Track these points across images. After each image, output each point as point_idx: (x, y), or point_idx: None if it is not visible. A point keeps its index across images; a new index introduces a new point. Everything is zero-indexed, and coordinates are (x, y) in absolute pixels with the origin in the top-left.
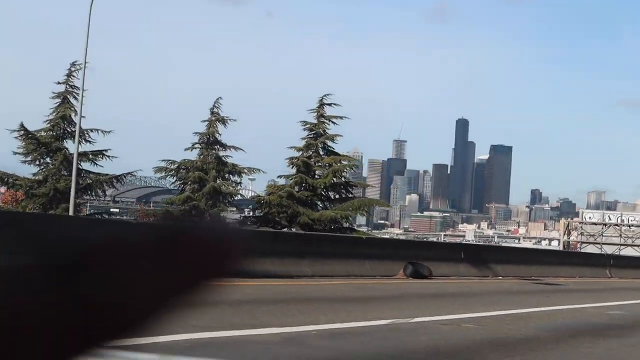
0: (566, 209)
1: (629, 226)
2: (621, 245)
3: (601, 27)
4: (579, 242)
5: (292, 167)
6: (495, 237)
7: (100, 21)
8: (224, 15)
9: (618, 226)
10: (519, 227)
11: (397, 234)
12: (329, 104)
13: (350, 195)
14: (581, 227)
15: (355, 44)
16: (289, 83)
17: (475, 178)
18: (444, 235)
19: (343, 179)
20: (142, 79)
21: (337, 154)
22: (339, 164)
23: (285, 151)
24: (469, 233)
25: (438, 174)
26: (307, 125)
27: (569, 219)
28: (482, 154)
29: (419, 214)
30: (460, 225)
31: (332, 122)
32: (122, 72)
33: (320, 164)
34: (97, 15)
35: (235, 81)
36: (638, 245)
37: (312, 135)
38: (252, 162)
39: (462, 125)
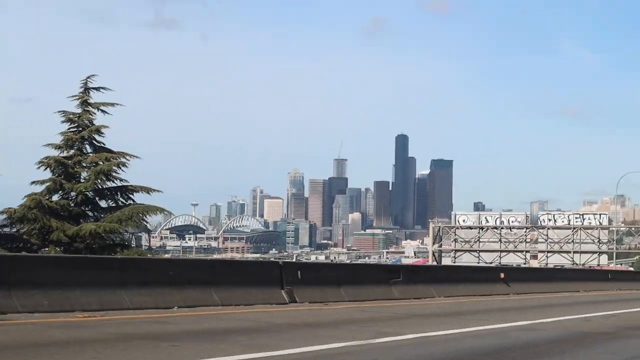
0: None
1: (510, 228)
2: (501, 251)
3: (538, 38)
4: (452, 250)
5: (45, 169)
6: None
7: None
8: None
9: (497, 229)
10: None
11: (340, 254)
12: (97, 88)
13: (130, 203)
14: (454, 232)
15: (292, 63)
16: (223, 103)
17: (417, 194)
18: (387, 252)
19: (118, 181)
20: None
21: (109, 150)
22: (105, 163)
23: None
24: (408, 249)
25: (380, 191)
26: (68, 116)
27: (440, 224)
28: (423, 169)
29: (362, 232)
30: (403, 242)
31: (102, 110)
32: None
33: (85, 164)
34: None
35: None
36: (521, 251)
37: (74, 129)
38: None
39: (401, 141)
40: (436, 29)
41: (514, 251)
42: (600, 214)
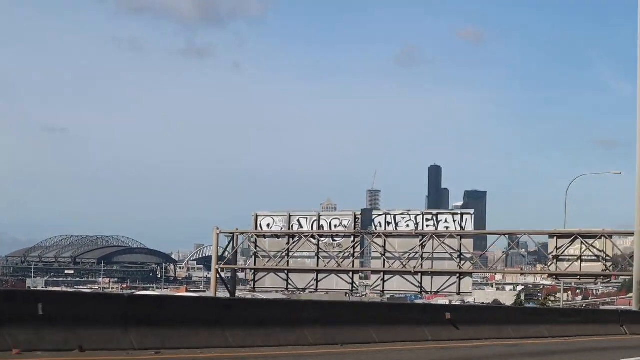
0: (543, 253)
1: (332, 237)
2: (319, 271)
3: (572, 68)
4: (251, 269)
5: None
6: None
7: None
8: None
9: (314, 239)
10: (495, 274)
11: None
12: None
13: None
14: (253, 242)
15: (324, 94)
16: (256, 136)
17: None
18: None
19: None
20: None
21: None
22: None
23: None
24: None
25: None
26: None
27: (237, 230)
28: (456, 201)
29: None
30: None
31: None
32: None
33: None
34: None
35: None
36: (346, 271)
37: None
38: None
39: (434, 172)
40: (469, 58)
41: (336, 271)
42: (462, 213)
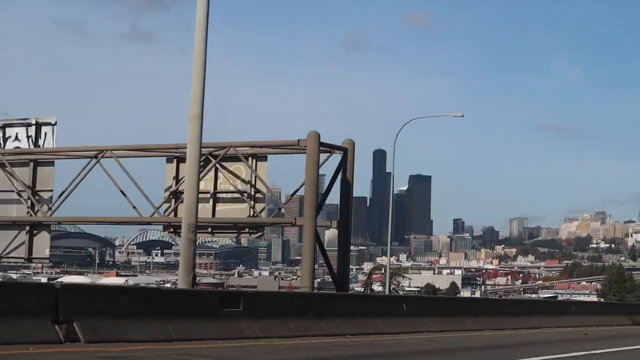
0: (489, 238)
1: None
2: None
3: (520, 54)
4: None
5: None
6: (410, 269)
7: None
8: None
9: None
10: (440, 257)
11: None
12: None
13: None
14: None
15: (269, 77)
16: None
17: (395, 209)
18: (355, 269)
19: None
20: None
21: None
22: None
23: None
24: (367, 266)
25: (357, 207)
26: None
27: None
28: (401, 185)
29: (335, 248)
30: (378, 259)
31: None
32: None
33: None
34: None
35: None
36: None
37: None
38: None
39: (379, 156)
40: (415, 43)
41: None
42: (37, 123)
